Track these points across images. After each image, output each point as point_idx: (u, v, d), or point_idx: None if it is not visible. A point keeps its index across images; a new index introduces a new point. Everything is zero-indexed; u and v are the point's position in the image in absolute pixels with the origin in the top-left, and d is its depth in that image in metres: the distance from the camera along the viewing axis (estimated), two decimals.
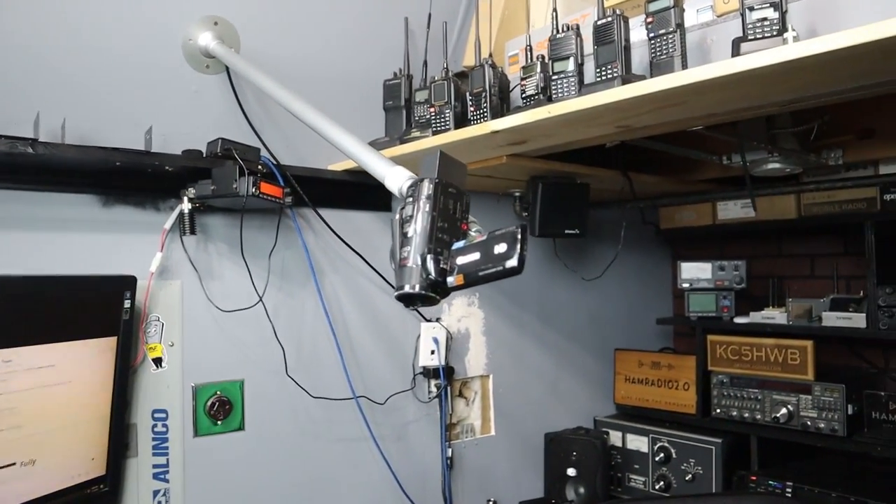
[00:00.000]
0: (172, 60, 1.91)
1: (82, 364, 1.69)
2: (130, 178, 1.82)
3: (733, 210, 2.67)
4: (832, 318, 2.34)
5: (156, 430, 1.89)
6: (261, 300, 1.98)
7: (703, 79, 1.27)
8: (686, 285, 2.68)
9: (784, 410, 2.38)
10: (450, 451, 2.39)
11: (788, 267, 2.91)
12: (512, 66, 2.00)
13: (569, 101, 1.51)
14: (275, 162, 1.99)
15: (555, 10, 1.70)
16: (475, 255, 0.95)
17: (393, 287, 2.17)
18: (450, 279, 0.97)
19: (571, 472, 2.55)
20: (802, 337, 2.40)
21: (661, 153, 2.34)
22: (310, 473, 2.12)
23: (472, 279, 0.95)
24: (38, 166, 1.67)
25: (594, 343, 2.91)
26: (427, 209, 1.00)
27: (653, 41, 1.48)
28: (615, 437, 2.77)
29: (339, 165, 2.15)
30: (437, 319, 2.39)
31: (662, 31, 1.47)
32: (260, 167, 1.91)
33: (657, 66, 1.47)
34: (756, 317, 2.53)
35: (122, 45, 1.82)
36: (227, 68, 1.97)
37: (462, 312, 2.48)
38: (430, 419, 2.38)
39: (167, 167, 1.80)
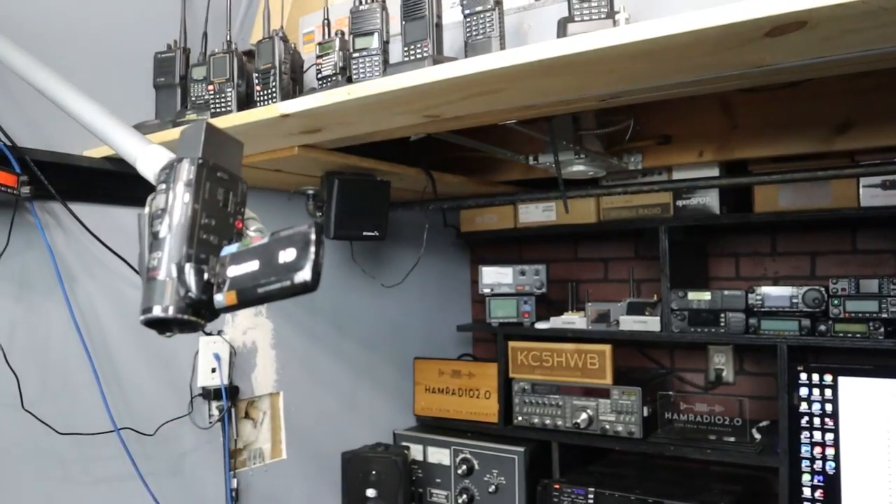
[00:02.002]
0: None
1: None
2: None
3: (535, 213, 2.62)
4: (629, 322, 2.36)
5: None
6: None
7: (526, 61, 1.12)
8: (487, 290, 2.59)
9: (584, 416, 2.36)
10: (235, 481, 2.09)
11: (584, 271, 2.93)
12: (307, 44, 1.76)
13: (372, 82, 1.30)
14: (8, 143, 1.59)
15: None
16: (253, 265, 0.69)
17: None
18: (218, 297, 0.70)
19: (371, 492, 2.34)
20: (601, 341, 2.40)
21: (463, 153, 2.22)
22: None
23: (249, 297, 0.69)
24: None
25: (393, 352, 2.73)
26: (186, 199, 0.72)
27: (468, 19, 1.32)
28: (416, 451, 2.62)
29: (98, 151, 1.78)
30: (219, 332, 2.08)
31: (479, 9, 1.31)
32: None
33: (473, 47, 1.31)
34: (556, 322, 2.50)
35: None
36: None
37: (248, 324, 2.19)
38: (212, 447, 2.06)
39: None
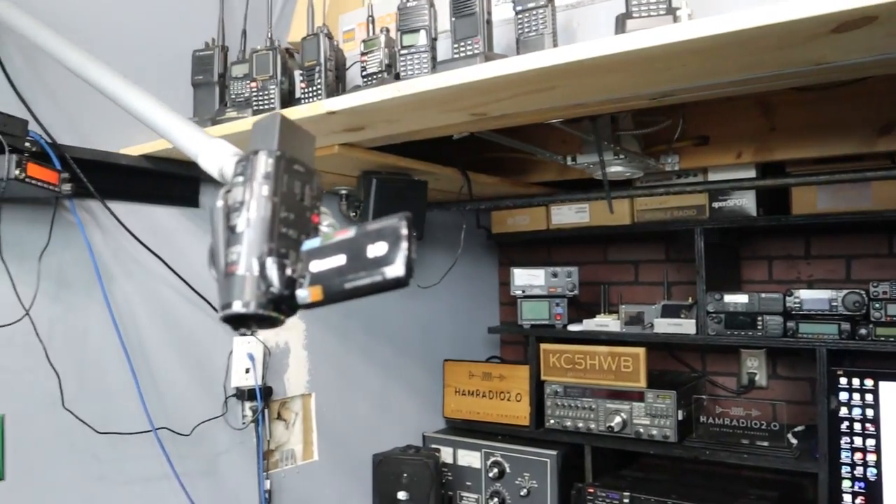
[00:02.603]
0: None
1: None
2: None
3: (568, 215, 2.60)
4: (664, 325, 2.33)
5: None
6: (27, 314, 1.56)
7: (584, 57, 1.10)
8: (519, 292, 2.56)
9: (618, 419, 2.33)
10: (268, 482, 2.07)
11: (614, 273, 2.91)
12: (347, 42, 1.74)
13: (423, 79, 1.29)
14: (49, 140, 1.59)
15: None
16: (339, 259, 0.67)
17: (205, 300, 1.87)
18: (301, 293, 0.68)
19: (402, 495, 2.32)
20: (635, 344, 2.37)
21: (496, 153, 2.20)
22: None
23: (336, 292, 0.67)
24: None
25: (423, 354, 2.71)
26: (266, 193, 0.70)
27: (520, 16, 1.30)
28: (446, 454, 2.60)
29: (136, 149, 1.78)
30: (253, 332, 2.07)
31: (531, 5, 1.29)
32: (28, 144, 1.51)
33: (525, 44, 1.29)
34: (590, 324, 2.47)
35: None
36: None
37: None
38: (245, 448, 2.05)
39: None
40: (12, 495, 1.58)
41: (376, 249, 0.65)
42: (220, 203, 0.74)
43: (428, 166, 2.02)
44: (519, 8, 1.31)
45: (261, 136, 0.75)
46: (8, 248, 1.54)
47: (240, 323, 0.70)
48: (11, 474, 1.58)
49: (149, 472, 1.81)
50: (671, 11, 1.14)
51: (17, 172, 1.41)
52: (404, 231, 0.65)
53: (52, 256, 1.65)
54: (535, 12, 1.29)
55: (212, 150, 0.89)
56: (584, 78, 1.24)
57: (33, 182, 1.45)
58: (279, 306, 0.69)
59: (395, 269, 0.64)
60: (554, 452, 2.41)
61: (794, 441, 2.20)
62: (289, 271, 0.69)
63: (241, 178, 0.72)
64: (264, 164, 0.72)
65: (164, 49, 1.86)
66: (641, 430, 2.31)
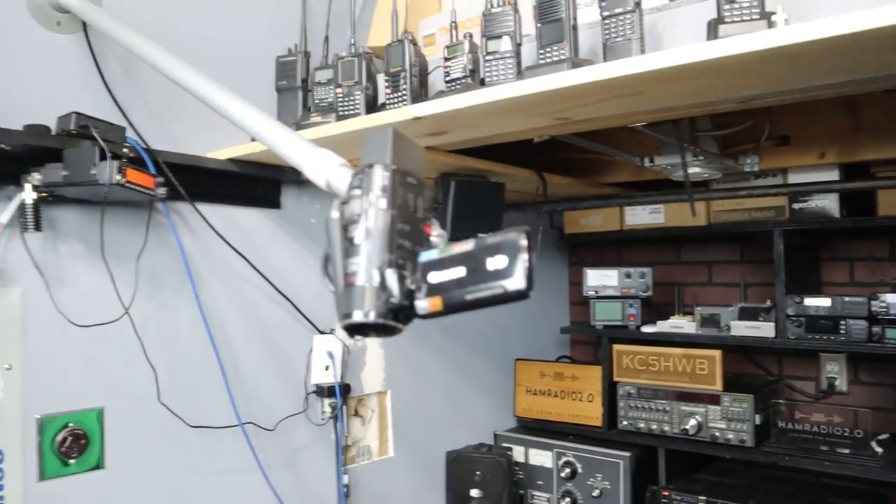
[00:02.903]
0: (13, 13, 1.53)
1: None
2: None
3: (642, 215, 2.58)
4: (741, 328, 2.29)
5: None
6: (127, 312, 1.64)
7: (676, 64, 1.10)
8: (592, 293, 2.56)
9: (693, 422, 2.31)
10: (346, 477, 2.12)
11: (687, 274, 2.87)
12: (427, 47, 1.77)
13: (510, 85, 1.30)
14: (144, 146, 1.66)
15: None
16: (458, 271, 0.69)
17: (287, 298, 1.93)
18: (421, 303, 0.70)
19: (476, 493, 2.35)
20: (710, 346, 2.34)
21: (571, 154, 2.19)
22: None
23: (456, 303, 0.69)
24: None
25: (494, 353, 2.73)
26: (384, 206, 0.73)
27: (607, 21, 1.30)
28: (517, 453, 2.61)
29: (222, 153, 1.84)
30: (332, 331, 2.12)
31: (619, 11, 1.29)
32: (126, 150, 1.58)
33: (612, 50, 1.29)
34: (664, 326, 2.45)
35: None
36: (85, 27, 1.61)
37: None
38: (324, 443, 2.11)
39: (4, 145, 1.43)
40: (110, 482, 1.66)
41: (496, 262, 0.67)
42: (335, 214, 0.77)
43: (505, 168, 2.04)
44: (606, 13, 1.31)
45: (374, 149, 0.78)
46: (109, 250, 1.62)
47: (359, 331, 0.73)
48: (110, 463, 1.66)
49: (234, 464, 1.88)
50: (766, 16, 1.13)
51: (118, 178, 1.47)
52: (524, 244, 0.66)
53: (146, 256, 1.72)
54: (622, 17, 1.29)
55: (318, 161, 0.92)
56: (673, 83, 1.23)
57: (132, 187, 1.52)
58: (397, 315, 0.71)
59: (517, 282, 0.66)
60: (627, 454, 2.40)
61: (878, 449, 2.13)
62: (408, 282, 0.71)
63: (357, 192, 0.75)
64: (381, 177, 0.74)
65: (248, 55, 1.92)
66: (717, 433, 2.28)
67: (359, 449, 2.23)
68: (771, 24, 1.11)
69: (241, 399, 1.89)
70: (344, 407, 2.12)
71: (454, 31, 1.60)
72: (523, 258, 0.66)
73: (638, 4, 1.29)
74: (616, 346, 2.50)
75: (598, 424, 2.54)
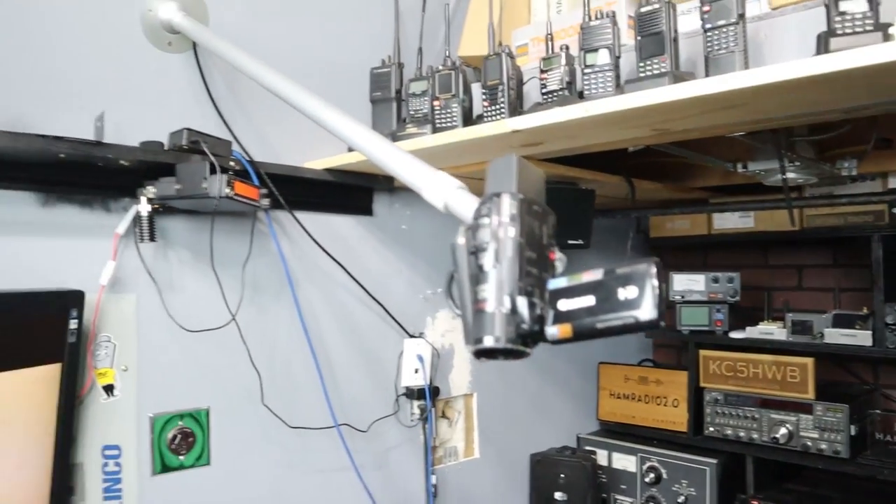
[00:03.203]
0: (128, 34, 1.62)
1: (20, 398, 1.40)
2: (76, 173, 1.53)
3: (731, 220, 2.54)
4: (836, 335, 2.23)
5: (107, 469, 1.60)
6: (234, 318, 1.72)
7: (785, 79, 1.09)
8: (678, 297, 2.53)
9: (784, 430, 2.26)
10: (434, 477, 2.17)
11: (775, 278, 2.80)
12: (520, 57, 1.78)
13: (611, 100, 1.30)
14: (248, 158, 1.73)
15: None
16: (588, 300, 0.72)
17: (379, 303, 1.98)
18: (551, 330, 0.73)
19: (560, 496, 2.36)
20: (802, 354, 2.29)
21: (658, 158, 2.17)
22: None
23: (586, 331, 0.71)
24: None
25: (577, 357, 2.74)
26: (512, 234, 0.75)
27: (709, 33, 1.30)
28: (601, 456, 2.61)
29: (319, 163, 1.90)
30: (421, 335, 2.17)
31: (721, 23, 1.28)
32: (232, 164, 1.65)
33: (715, 63, 1.29)
34: (753, 332, 2.40)
35: (68, 13, 1.53)
36: (194, 46, 1.69)
37: (447, 326, 2.26)
38: (413, 444, 2.16)
39: (122, 161, 1.52)
40: (216, 478, 1.75)
41: (627, 293, 0.69)
42: (461, 241, 0.80)
43: (593, 174, 2.04)
44: (708, 25, 1.30)
45: (499, 177, 0.80)
46: (216, 258, 1.70)
47: (488, 355, 0.76)
48: (215, 459, 1.75)
49: (330, 463, 1.94)
50: (881, 28, 1.11)
51: (227, 191, 1.54)
52: (655, 276, 0.68)
53: (249, 263, 1.79)
54: (725, 30, 1.28)
55: (436, 184, 0.95)
56: (778, 96, 1.22)
57: (239, 199, 1.58)
58: (526, 341, 0.74)
59: (648, 312, 0.68)
60: (713, 461, 2.38)
61: None
62: (537, 308, 0.74)
63: (486, 220, 0.77)
64: (508, 206, 0.77)
65: (343, 67, 1.98)
66: (809, 443, 2.23)
67: (446, 450, 2.27)
68: (887, 37, 1.08)
69: (336, 400, 1.95)
70: (433, 409, 2.16)
71: (550, 43, 1.61)
72: (654, 289, 0.68)
73: (742, 16, 1.28)
74: (703, 352, 2.47)
75: (684, 430, 2.51)
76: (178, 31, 1.64)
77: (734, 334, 2.44)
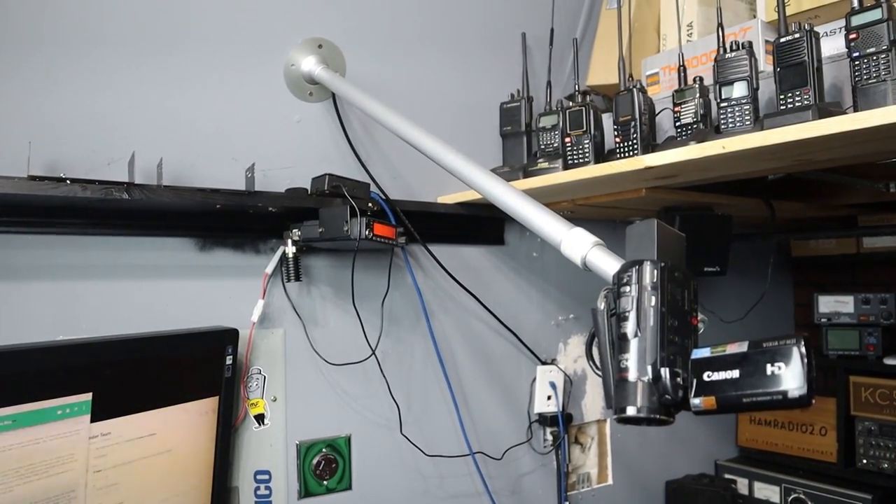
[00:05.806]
0: (274, 89, 1.73)
1: (183, 429, 1.53)
2: (230, 220, 1.65)
3: (884, 237, 2.38)
4: None
5: (258, 492, 1.72)
6: (374, 353, 1.80)
7: None
8: (824, 320, 2.40)
9: None
10: (567, 503, 2.17)
11: None
12: (651, 86, 1.76)
13: (751, 136, 1.27)
14: (384, 197, 1.80)
15: (720, 25, 1.46)
16: (732, 373, 0.72)
17: (511, 330, 2.00)
18: (695, 401, 0.73)
19: None
20: None
21: (800, 176, 2.08)
22: None
23: (731, 405, 0.71)
24: (132, 211, 1.52)
25: None
26: (653, 303, 0.76)
27: (857, 62, 1.24)
28: (741, 485, 2.52)
29: (451, 198, 1.95)
30: (553, 361, 2.17)
31: (871, 50, 1.22)
32: (370, 205, 1.73)
33: (863, 94, 1.22)
34: None
35: (219, 73, 1.66)
36: (333, 95, 1.79)
37: (579, 352, 2.25)
38: (546, 470, 2.17)
39: (272, 209, 1.63)
40: (356, 503, 1.83)
41: (774, 369, 0.68)
42: (601, 305, 0.81)
43: (728, 199, 1.97)
44: (856, 53, 1.24)
45: (640, 243, 0.81)
46: (357, 293, 1.78)
47: (632, 423, 0.77)
48: (356, 485, 1.83)
49: (465, 490, 1.98)
50: None
51: (367, 233, 1.61)
52: (803, 351, 0.67)
53: (387, 297, 1.87)
54: (875, 58, 1.22)
55: (573, 240, 0.97)
56: None
57: (378, 239, 1.65)
58: (668, 410, 0.74)
59: (797, 390, 0.67)
60: (868, 496, 2.24)
61: None
62: (679, 379, 0.74)
63: (627, 288, 0.78)
64: (650, 274, 0.77)
65: (474, 103, 2.02)
66: None
67: (579, 476, 2.26)
68: None
69: (470, 428, 1.99)
70: (565, 435, 2.16)
71: (683, 73, 1.58)
72: (803, 366, 0.67)
73: (894, 42, 1.21)
74: (853, 378, 2.34)
75: (833, 460, 2.38)
76: (318, 83, 1.74)
77: (889, 360, 2.29)
